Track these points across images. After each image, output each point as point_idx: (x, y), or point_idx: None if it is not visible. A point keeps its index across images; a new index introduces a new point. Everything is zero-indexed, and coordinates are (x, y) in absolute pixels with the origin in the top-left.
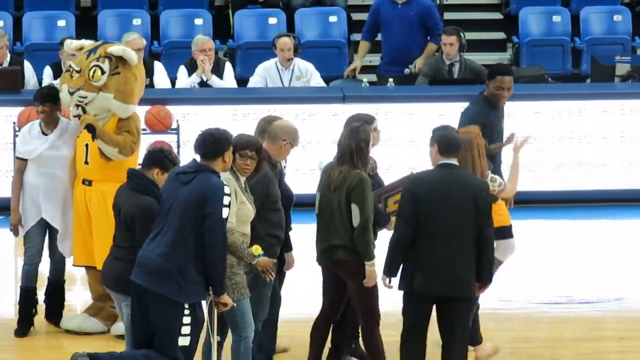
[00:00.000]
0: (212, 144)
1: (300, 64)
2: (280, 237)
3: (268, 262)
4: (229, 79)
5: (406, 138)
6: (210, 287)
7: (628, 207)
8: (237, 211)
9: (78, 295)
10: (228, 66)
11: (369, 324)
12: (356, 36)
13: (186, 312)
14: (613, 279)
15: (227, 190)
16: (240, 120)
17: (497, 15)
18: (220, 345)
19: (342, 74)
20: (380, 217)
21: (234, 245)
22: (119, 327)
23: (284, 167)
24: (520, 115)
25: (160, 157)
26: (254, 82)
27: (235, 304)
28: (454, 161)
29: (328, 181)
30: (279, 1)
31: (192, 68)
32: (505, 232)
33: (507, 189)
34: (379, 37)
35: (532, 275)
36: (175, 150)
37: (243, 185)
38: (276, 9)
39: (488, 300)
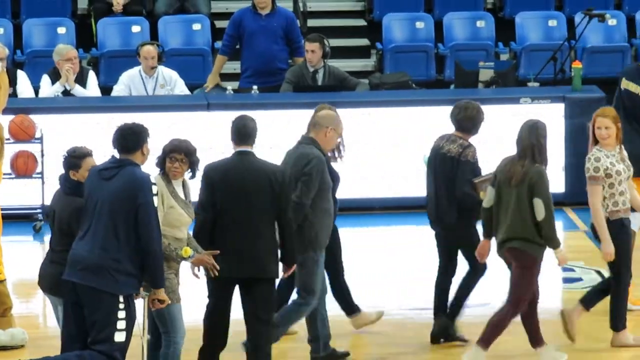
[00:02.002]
0: (132, 136)
1: (165, 72)
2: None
3: (203, 259)
4: (92, 88)
5: (269, 145)
6: (150, 280)
7: None
8: (165, 216)
9: None
10: (91, 75)
11: (518, 309)
12: (220, 44)
13: (121, 305)
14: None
15: (153, 179)
16: (104, 129)
17: (361, 22)
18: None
19: (206, 81)
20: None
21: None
22: None
23: (342, 154)
24: (384, 122)
25: (67, 160)
26: (118, 90)
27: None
28: (249, 148)
29: (509, 176)
30: (142, 9)
31: (55, 77)
32: None
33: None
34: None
35: (402, 282)
36: (39, 159)
37: (175, 190)
38: (139, 17)
39: (362, 306)
